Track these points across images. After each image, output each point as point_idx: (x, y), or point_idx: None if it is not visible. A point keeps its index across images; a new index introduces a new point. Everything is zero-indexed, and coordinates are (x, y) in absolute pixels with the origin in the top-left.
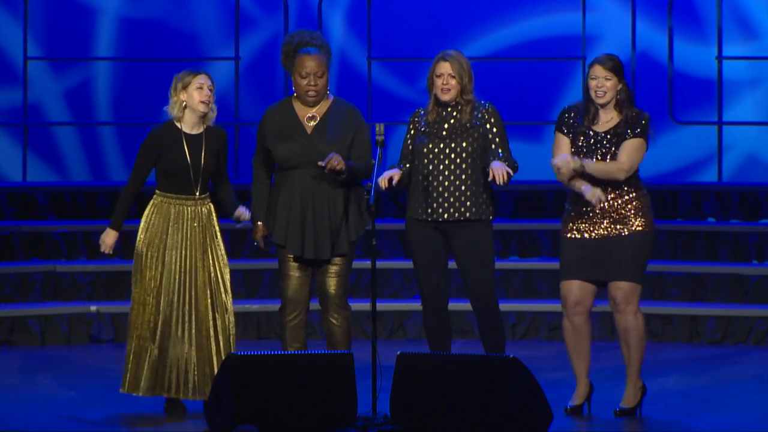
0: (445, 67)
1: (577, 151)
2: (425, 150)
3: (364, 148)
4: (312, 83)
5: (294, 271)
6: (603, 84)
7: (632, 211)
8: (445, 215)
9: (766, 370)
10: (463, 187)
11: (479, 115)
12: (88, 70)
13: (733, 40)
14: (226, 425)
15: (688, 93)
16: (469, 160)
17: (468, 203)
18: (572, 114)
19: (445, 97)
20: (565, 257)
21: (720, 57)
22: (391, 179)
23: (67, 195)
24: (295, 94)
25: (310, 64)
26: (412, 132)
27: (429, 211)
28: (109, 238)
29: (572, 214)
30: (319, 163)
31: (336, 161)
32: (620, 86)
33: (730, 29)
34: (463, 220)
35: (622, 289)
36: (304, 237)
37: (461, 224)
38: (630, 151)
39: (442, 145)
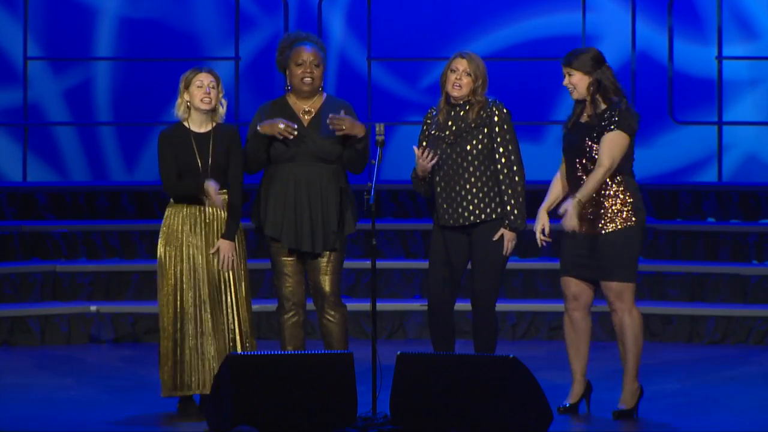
0: (462, 64)
1: (568, 148)
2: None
3: None
4: (308, 71)
5: (289, 269)
6: (568, 81)
7: (616, 207)
8: (461, 219)
9: (766, 370)
10: (474, 190)
11: (484, 114)
12: (88, 70)
13: (733, 40)
14: (226, 425)
15: (688, 93)
16: (476, 163)
17: (482, 205)
18: (567, 119)
19: (456, 93)
20: (562, 252)
21: (720, 57)
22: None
23: (67, 195)
24: (288, 91)
25: (306, 53)
26: (426, 133)
27: (448, 217)
28: (210, 187)
29: None
30: (331, 116)
31: (346, 123)
32: (590, 80)
33: (730, 29)
34: (479, 222)
35: (612, 289)
36: (298, 230)
37: (480, 225)
38: (608, 146)
39: (449, 151)
